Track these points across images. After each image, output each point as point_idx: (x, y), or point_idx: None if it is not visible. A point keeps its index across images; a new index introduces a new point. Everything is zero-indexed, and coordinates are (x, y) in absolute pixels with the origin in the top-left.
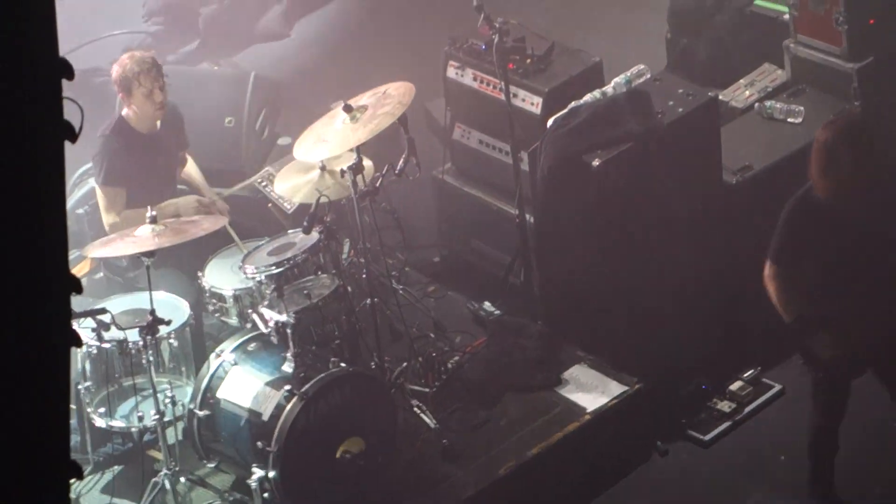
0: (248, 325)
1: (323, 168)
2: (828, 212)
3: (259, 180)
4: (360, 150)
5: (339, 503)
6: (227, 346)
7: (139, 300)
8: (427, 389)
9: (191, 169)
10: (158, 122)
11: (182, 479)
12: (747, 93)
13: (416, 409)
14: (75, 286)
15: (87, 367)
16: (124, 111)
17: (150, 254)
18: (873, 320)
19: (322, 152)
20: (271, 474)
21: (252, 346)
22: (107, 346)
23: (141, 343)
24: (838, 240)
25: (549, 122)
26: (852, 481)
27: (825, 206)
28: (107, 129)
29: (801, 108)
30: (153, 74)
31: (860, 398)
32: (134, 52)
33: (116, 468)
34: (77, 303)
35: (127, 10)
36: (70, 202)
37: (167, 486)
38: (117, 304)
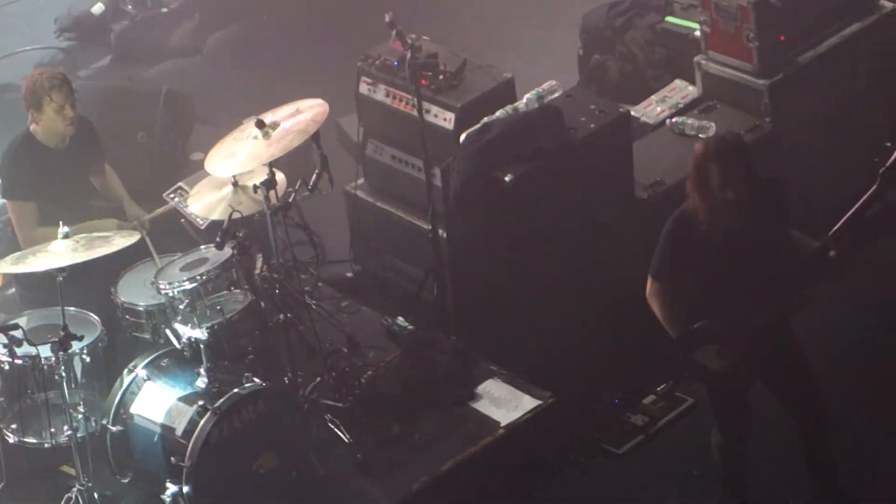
0: (162, 341)
1: (235, 183)
2: (703, 227)
3: (173, 197)
4: (273, 165)
5: None
6: (140, 362)
7: (51, 316)
8: (341, 404)
9: (112, 181)
10: (68, 138)
11: (96, 495)
12: (659, 109)
13: (329, 423)
14: None
15: (0, 382)
16: (32, 126)
17: (62, 269)
18: (754, 332)
19: (234, 167)
20: (185, 489)
21: (165, 362)
22: (19, 361)
23: (53, 359)
24: (715, 254)
25: (462, 138)
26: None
27: (701, 221)
28: (13, 143)
29: (713, 123)
30: (64, 91)
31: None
32: (43, 68)
33: (30, 484)
34: None
35: (38, 26)
36: None
37: (80, 502)
38: (29, 320)
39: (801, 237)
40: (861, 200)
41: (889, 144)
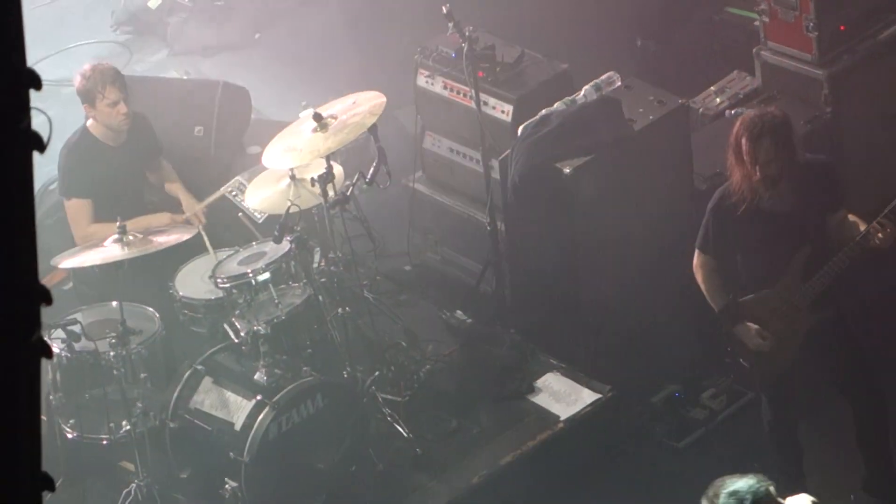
0: (220, 335)
1: (293, 177)
2: (742, 203)
3: (230, 190)
4: (331, 158)
5: None
6: (198, 357)
7: (109, 310)
8: (399, 398)
9: (169, 175)
10: (125, 134)
11: (154, 490)
12: (718, 100)
13: (388, 418)
14: (45, 296)
15: (59, 378)
16: (89, 122)
17: (120, 263)
18: (798, 311)
19: (291, 161)
20: (244, 484)
21: (223, 356)
22: (77, 356)
23: (112, 354)
24: (754, 231)
25: (520, 130)
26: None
27: (740, 197)
28: (72, 140)
29: (781, 113)
30: (117, 85)
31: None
32: (96, 63)
33: (88, 480)
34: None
35: (95, 20)
36: (39, 212)
37: (139, 497)
38: (88, 315)
39: (855, 220)
40: None
41: None
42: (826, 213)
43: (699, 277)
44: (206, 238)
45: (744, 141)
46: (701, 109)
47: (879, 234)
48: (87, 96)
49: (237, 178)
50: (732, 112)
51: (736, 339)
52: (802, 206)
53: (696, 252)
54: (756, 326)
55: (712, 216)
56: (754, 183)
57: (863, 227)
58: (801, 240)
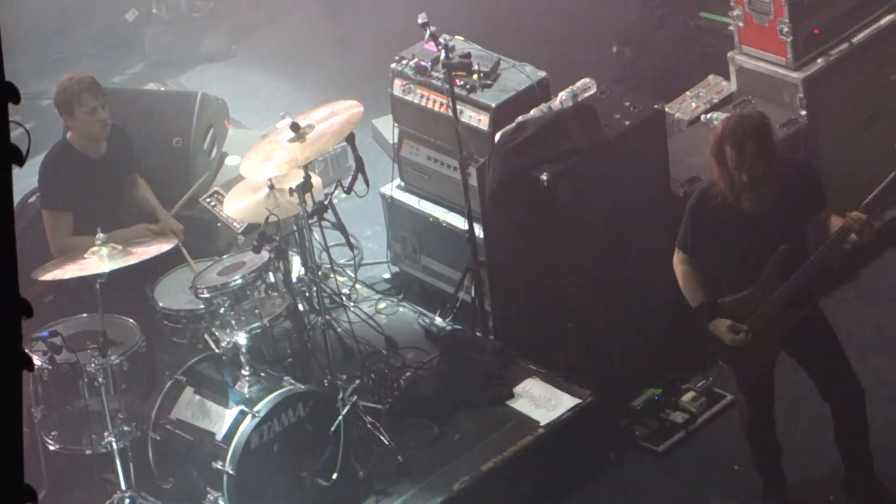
0: (200, 346)
1: (271, 187)
2: (722, 204)
3: (209, 200)
4: (309, 168)
5: None
6: (179, 367)
7: (90, 322)
8: (380, 406)
9: (144, 191)
10: (104, 145)
11: (138, 502)
12: (693, 104)
13: (369, 425)
14: (26, 309)
15: (40, 390)
16: (68, 134)
17: (100, 275)
18: (778, 310)
19: (269, 171)
20: (226, 494)
21: (204, 367)
22: (58, 369)
23: (93, 366)
24: (733, 231)
25: (497, 138)
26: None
27: (720, 198)
28: (51, 153)
29: (759, 114)
30: (94, 92)
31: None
32: (73, 73)
33: (71, 492)
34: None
35: (73, 34)
36: (18, 226)
37: None
38: (68, 327)
39: (836, 219)
40: (883, 184)
41: None
42: (806, 213)
43: (679, 276)
44: (183, 249)
45: (727, 145)
46: (677, 114)
47: (857, 227)
48: (65, 106)
49: (215, 188)
50: (708, 116)
51: (715, 339)
52: (782, 206)
53: (676, 251)
54: (729, 322)
55: (691, 216)
56: (738, 185)
57: (839, 222)
58: (780, 239)
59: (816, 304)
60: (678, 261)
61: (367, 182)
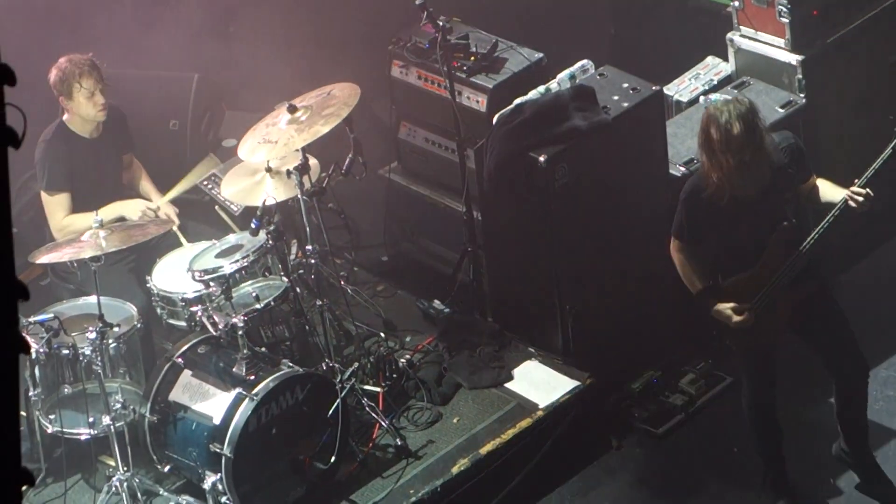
0: (198, 328)
1: (269, 169)
2: (714, 190)
3: (206, 183)
4: (306, 150)
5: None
6: (177, 350)
7: (87, 305)
8: (379, 389)
9: (138, 172)
10: (101, 126)
11: (136, 482)
12: (692, 86)
13: (368, 408)
14: (22, 292)
15: (37, 373)
16: (65, 116)
17: (97, 258)
18: (782, 289)
19: (267, 153)
20: (224, 476)
21: (202, 349)
22: (56, 352)
23: (90, 348)
24: (727, 217)
25: (495, 120)
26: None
27: (712, 184)
28: (48, 134)
29: (746, 100)
30: (94, 76)
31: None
32: (72, 55)
33: (69, 475)
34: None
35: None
36: (15, 209)
37: (121, 491)
38: (65, 310)
39: (824, 183)
40: (881, 158)
41: None
42: (797, 186)
43: (677, 262)
44: (179, 234)
45: (714, 132)
46: (675, 96)
47: (858, 199)
48: (64, 88)
49: (213, 170)
50: (708, 98)
51: (720, 323)
52: (774, 186)
53: (672, 239)
54: (732, 304)
55: (685, 206)
56: (727, 171)
57: (833, 189)
58: (778, 219)
59: (823, 279)
60: (675, 248)
61: (364, 164)
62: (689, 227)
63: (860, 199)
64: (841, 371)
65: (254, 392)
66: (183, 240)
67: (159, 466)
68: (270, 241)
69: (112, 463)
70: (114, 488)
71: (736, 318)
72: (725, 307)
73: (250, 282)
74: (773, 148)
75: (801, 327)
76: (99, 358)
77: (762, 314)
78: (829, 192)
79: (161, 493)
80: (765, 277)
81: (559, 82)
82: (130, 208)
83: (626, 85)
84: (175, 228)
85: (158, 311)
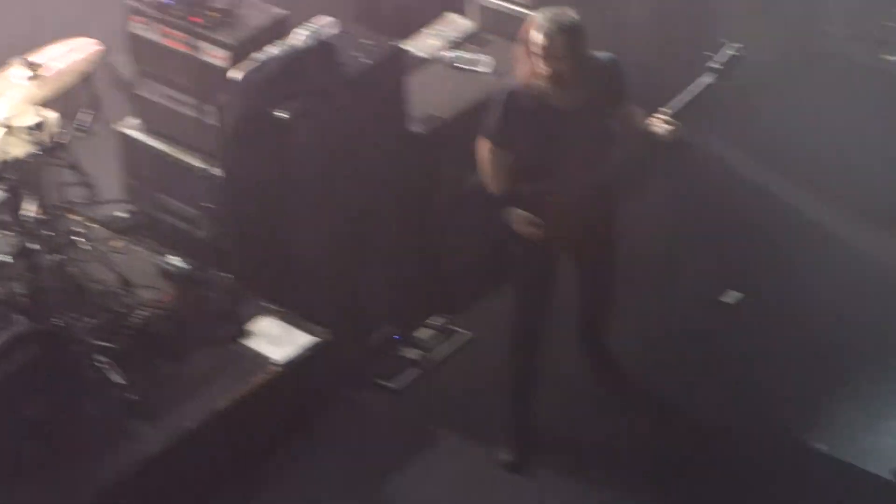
0: None
1: (6, 125)
2: (534, 99)
3: None
4: (44, 106)
5: (25, 463)
6: None
7: None
8: (113, 345)
9: None
10: None
11: None
12: (433, 42)
13: (102, 365)
14: None
15: None
16: None
17: None
18: (574, 207)
19: (3, 109)
20: None
21: None
22: None
23: None
24: (544, 126)
25: (237, 76)
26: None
27: (532, 93)
28: None
29: (488, 57)
30: None
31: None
32: None
33: None
34: None
35: None
36: None
37: None
38: None
39: (640, 113)
40: (692, 87)
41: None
42: (611, 107)
43: (481, 163)
44: None
45: (537, 35)
46: (416, 52)
47: (663, 126)
48: None
49: None
50: (449, 54)
51: (509, 227)
52: (590, 102)
53: (481, 139)
54: (527, 214)
55: (502, 109)
56: (542, 78)
57: (643, 116)
58: (588, 135)
59: (615, 205)
60: (482, 148)
61: (104, 120)
62: (502, 129)
63: (663, 127)
64: (586, 329)
65: None
66: None
67: None
68: (7, 198)
69: None
70: None
71: (526, 228)
72: (521, 215)
73: None
74: (596, 65)
75: (577, 262)
76: None
77: (551, 226)
78: (640, 118)
79: None
80: (563, 190)
81: (300, 39)
82: None
83: (366, 41)
84: None
85: None
